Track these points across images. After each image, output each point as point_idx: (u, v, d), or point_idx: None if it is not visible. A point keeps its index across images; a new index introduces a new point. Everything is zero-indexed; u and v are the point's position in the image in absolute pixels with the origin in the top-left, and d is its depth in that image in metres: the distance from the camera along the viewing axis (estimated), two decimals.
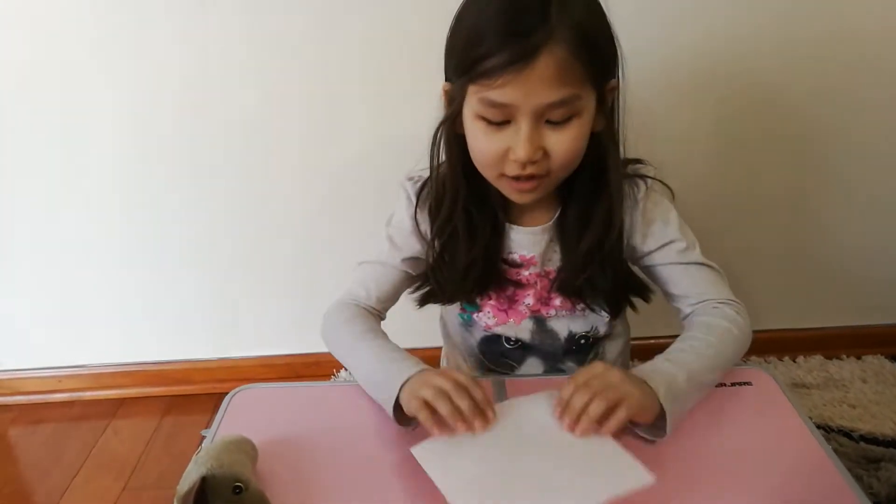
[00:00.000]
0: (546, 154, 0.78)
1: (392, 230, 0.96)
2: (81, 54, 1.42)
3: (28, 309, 1.69)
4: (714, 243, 1.55)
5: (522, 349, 1.01)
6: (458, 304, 1.00)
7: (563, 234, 0.90)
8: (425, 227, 0.93)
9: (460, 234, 0.89)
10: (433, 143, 0.87)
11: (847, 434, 1.40)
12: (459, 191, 0.87)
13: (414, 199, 0.94)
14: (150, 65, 1.42)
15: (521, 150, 0.77)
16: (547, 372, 1.02)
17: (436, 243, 0.92)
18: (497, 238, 0.91)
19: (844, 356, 1.69)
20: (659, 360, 0.80)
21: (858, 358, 1.68)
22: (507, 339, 1.00)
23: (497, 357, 1.02)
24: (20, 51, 1.42)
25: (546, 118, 0.76)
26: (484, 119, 0.78)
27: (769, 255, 1.63)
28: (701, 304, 0.91)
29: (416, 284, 0.97)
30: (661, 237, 0.92)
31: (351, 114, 1.47)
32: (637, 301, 0.97)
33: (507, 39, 0.72)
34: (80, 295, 1.67)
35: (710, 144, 1.51)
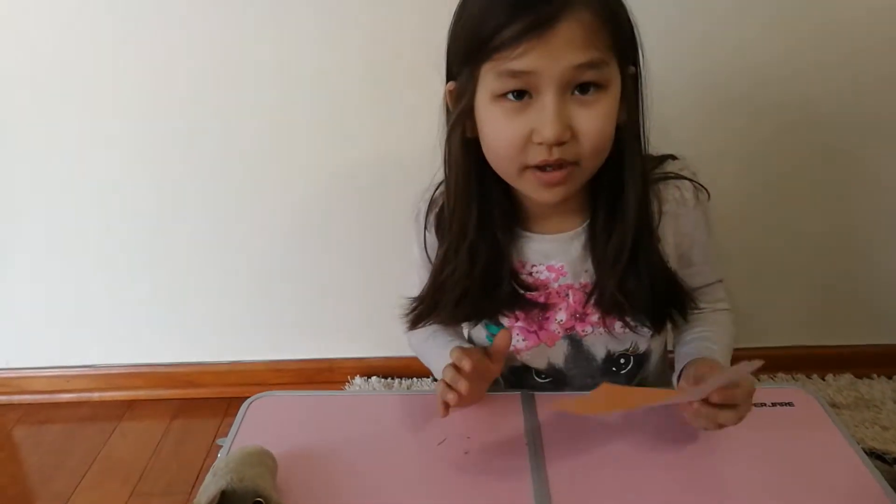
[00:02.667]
0: (574, 136, 0.71)
1: (414, 262, 0.95)
2: (87, 56, 1.40)
3: (37, 307, 1.67)
4: (742, 257, 1.54)
5: (554, 383, 0.94)
6: (485, 327, 0.93)
7: (594, 240, 0.83)
8: (433, 249, 0.89)
9: (462, 257, 0.83)
10: (447, 147, 0.81)
11: (880, 457, 1.34)
12: (472, 203, 0.80)
13: (422, 221, 0.90)
14: (158, 69, 1.41)
15: (548, 129, 0.69)
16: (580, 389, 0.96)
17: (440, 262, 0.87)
18: (499, 262, 0.84)
19: (875, 375, 1.64)
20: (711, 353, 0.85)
21: (889, 378, 1.63)
22: (538, 373, 0.94)
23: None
24: (25, 49, 1.40)
25: (573, 87, 0.70)
26: (503, 98, 0.72)
27: (798, 269, 1.59)
28: (707, 308, 0.93)
29: (411, 304, 0.91)
30: (702, 257, 0.90)
31: (366, 117, 1.45)
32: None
33: (525, 6, 0.67)
34: (91, 294, 1.65)
35: (740, 156, 1.47)
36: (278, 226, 1.57)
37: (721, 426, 0.73)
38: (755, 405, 0.85)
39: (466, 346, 0.88)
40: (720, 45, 1.37)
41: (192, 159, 1.50)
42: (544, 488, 0.73)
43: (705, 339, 0.88)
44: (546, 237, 0.85)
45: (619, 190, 0.78)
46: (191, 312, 1.67)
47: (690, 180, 0.85)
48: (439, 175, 0.86)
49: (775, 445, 0.80)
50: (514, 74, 0.70)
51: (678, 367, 0.86)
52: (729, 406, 0.72)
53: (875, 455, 1.36)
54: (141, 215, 1.56)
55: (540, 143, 0.71)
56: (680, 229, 0.86)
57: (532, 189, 0.77)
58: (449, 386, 0.77)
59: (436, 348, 0.92)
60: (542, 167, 0.73)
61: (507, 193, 0.83)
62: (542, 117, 0.70)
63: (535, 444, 0.80)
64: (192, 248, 1.60)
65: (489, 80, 0.72)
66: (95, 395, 1.74)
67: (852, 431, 1.44)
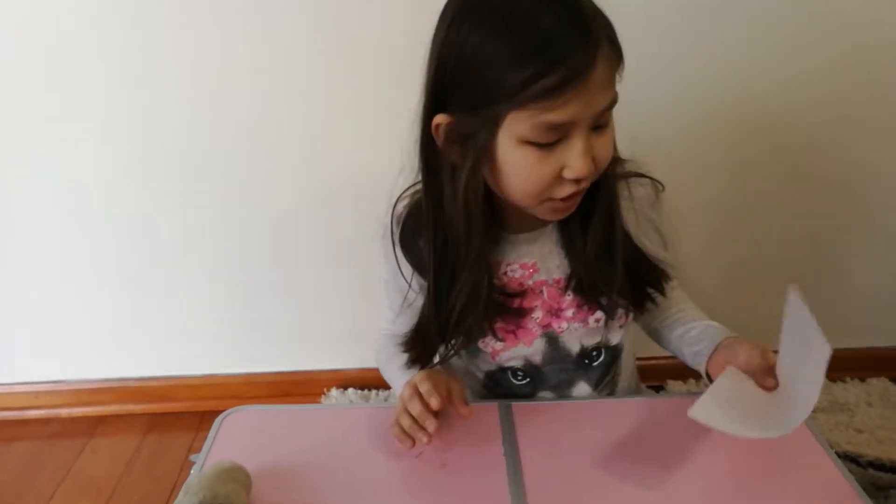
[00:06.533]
0: (594, 164, 0.74)
1: (385, 284, 0.95)
2: (76, 60, 1.38)
3: (4, 322, 1.64)
4: (714, 258, 1.55)
5: (532, 384, 0.94)
6: None
7: (565, 236, 0.86)
8: (405, 265, 0.89)
9: (464, 290, 0.83)
10: (463, 186, 0.77)
11: (854, 460, 1.36)
12: (472, 247, 0.80)
13: (390, 237, 0.89)
14: (138, 77, 1.40)
15: (580, 167, 0.71)
16: (556, 399, 0.95)
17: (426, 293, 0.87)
18: (487, 279, 0.84)
19: (849, 379, 1.66)
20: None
21: (863, 381, 1.65)
22: (515, 374, 0.94)
23: (505, 395, 0.95)
24: (11, 52, 1.38)
25: (595, 125, 0.72)
26: (533, 144, 0.71)
27: (771, 272, 1.60)
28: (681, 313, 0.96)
29: (402, 347, 0.91)
30: (660, 246, 0.93)
31: (349, 129, 1.44)
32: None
33: (568, 49, 0.65)
34: (60, 307, 1.62)
35: (715, 160, 1.49)
36: (252, 237, 1.55)
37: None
38: None
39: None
40: (704, 55, 1.39)
41: (165, 169, 1.48)
42: (522, 501, 0.73)
43: (708, 325, 0.91)
44: (519, 236, 0.88)
45: (593, 188, 0.79)
46: (162, 325, 1.65)
47: (649, 177, 0.90)
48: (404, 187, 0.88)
49: (749, 449, 0.80)
50: (553, 126, 0.69)
51: (706, 350, 0.87)
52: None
53: (849, 458, 1.38)
54: (111, 228, 1.53)
55: (572, 178, 0.73)
56: (641, 222, 0.89)
57: (544, 213, 0.79)
58: (416, 422, 0.78)
59: (399, 371, 0.92)
60: (564, 196, 0.75)
61: (490, 205, 0.82)
62: (573, 155, 0.71)
63: (513, 455, 0.80)
64: (164, 260, 1.57)
65: (517, 127, 0.70)
66: (64, 412, 1.70)
67: (826, 435, 1.46)
